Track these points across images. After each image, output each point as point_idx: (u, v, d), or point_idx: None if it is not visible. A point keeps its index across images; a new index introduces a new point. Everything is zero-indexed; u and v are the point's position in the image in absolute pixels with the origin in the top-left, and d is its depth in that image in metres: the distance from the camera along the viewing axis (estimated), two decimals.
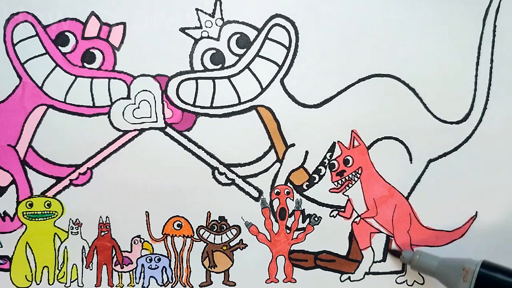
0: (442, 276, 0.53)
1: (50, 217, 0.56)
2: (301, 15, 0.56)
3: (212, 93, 0.56)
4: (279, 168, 0.57)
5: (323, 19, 0.56)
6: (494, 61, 0.57)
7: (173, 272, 0.57)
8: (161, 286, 0.57)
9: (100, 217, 0.56)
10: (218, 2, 0.55)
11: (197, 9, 0.55)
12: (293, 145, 0.57)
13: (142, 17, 0.55)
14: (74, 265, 0.57)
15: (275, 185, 0.57)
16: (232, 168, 0.56)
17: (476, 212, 0.58)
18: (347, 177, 0.57)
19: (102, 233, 0.56)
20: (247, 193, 0.57)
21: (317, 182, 0.57)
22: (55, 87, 0.55)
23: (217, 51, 0.56)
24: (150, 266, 0.57)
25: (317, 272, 0.58)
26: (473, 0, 0.57)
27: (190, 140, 0.56)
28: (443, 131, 0.57)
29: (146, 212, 0.56)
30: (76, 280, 0.57)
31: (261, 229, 0.57)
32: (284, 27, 0.56)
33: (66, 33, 0.55)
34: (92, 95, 0.55)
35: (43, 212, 0.56)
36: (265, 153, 0.57)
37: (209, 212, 0.57)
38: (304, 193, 0.57)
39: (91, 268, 0.57)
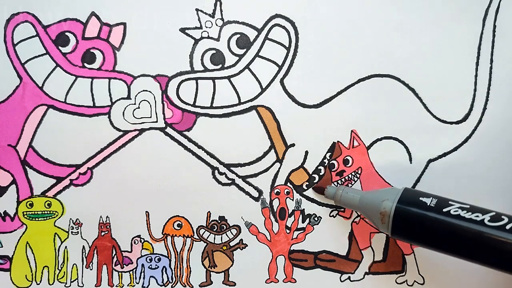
0: (365, 213, 0.51)
1: (50, 217, 0.56)
2: (301, 15, 0.56)
3: (212, 93, 0.56)
4: (279, 168, 0.57)
5: (323, 19, 0.56)
6: (494, 61, 0.57)
7: (173, 272, 0.57)
8: (161, 286, 0.57)
9: (100, 217, 0.56)
10: (218, 2, 0.55)
11: (197, 9, 0.55)
12: (293, 145, 0.57)
13: (142, 17, 0.55)
14: (74, 265, 0.57)
15: (275, 185, 0.57)
16: (232, 168, 0.56)
17: None
18: (346, 177, 0.57)
19: (102, 233, 0.56)
20: (247, 193, 0.57)
21: (317, 182, 0.57)
22: (56, 87, 0.55)
23: (217, 51, 0.56)
24: (150, 266, 0.57)
25: (317, 272, 0.58)
26: (473, 0, 0.57)
27: (190, 140, 0.56)
28: (443, 131, 0.57)
29: (146, 212, 0.57)
30: (76, 280, 0.57)
31: (261, 229, 0.57)
32: (284, 27, 0.56)
33: (67, 33, 0.55)
34: (92, 95, 0.56)
35: (43, 212, 0.56)
36: (265, 153, 0.57)
37: (209, 212, 0.57)
38: (304, 193, 0.57)
39: (91, 268, 0.57)
